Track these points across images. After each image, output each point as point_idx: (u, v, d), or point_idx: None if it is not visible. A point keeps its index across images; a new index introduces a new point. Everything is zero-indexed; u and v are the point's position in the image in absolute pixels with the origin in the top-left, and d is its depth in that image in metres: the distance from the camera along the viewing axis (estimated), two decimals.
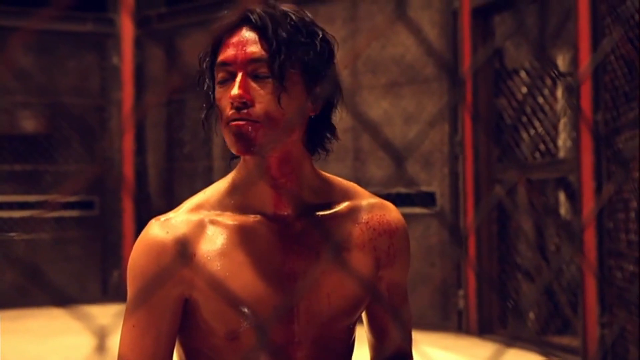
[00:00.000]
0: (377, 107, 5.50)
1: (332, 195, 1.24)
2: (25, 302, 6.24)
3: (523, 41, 5.06)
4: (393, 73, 5.48)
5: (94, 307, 5.91)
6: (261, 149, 1.13)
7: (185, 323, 1.18)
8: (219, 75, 1.14)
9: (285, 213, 1.19)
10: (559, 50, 4.83)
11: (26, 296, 6.32)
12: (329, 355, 1.22)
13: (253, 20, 1.13)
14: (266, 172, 1.17)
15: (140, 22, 6.84)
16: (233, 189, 1.20)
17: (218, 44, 1.15)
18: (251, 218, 1.19)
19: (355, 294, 1.21)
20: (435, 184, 5.31)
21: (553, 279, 4.62)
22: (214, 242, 1.17)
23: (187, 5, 6.65)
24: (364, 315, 1.30)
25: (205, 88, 1.18)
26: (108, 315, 5.02)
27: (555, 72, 4.80)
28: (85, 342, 3.47)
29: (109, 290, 6.79)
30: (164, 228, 1.17)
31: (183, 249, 1.15)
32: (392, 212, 1.27)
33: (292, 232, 1.19)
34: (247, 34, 1.13)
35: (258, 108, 1.11)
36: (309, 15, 1.18)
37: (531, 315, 4.83)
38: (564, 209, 4.91)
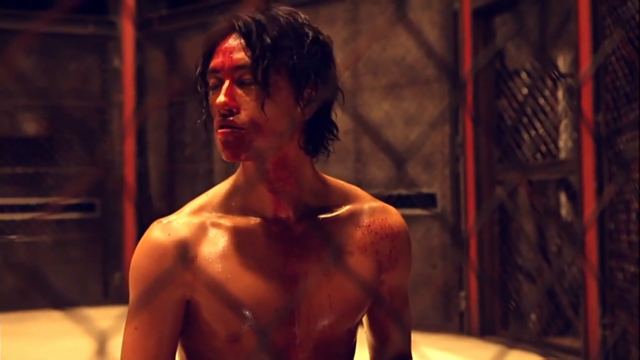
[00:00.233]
0: (377, 109, 5.50)
1: (334, 198, 1.24)
2: (26, 304, 6.24)
3: (524, 42, 5.06)
4: (394, 74, 5.48)
5: (95, 310, 5.91)
6: (250, 155, 1.14)
7: (187, 325, 1.18)
8: (211, 82, 1.16)
9: (286, 216, 1.19)
10: (559, 51, 4.83)
11: (27, 299, 6.32)
12: (331, 358, 1.22)
13: (237, 27, 1.14)
14: (264, 176, 1.17)
15: (141, 24, 6.84)
16: (234, 192, 1.21)
17: (210, 51, 1.16)
18: (252, 221, 1.19)
19: (356, 297, 1.21)
20: (436, 185, 5.31)
21: (555, 280, 4.62)
22: (215, 244, 1.18)
23: (188, 8, 6.65)
24: (364, 317, 1.30)
25: (201, 94, 1.18)
26: (109, 317, 5.03)
27: (556, 73, 4.80)
28: (85, 344, 3.46)
29: (110, 292, 6.79)
30: (165, 231, 1.17)
31: (184, 252, 1.16)
32: (394, 216, 1.27)
33: (293, 235, 1.19)
34: (235, 41, 1.14)
35: (243, 115, 1.12)
36: (303, 16, 1.17)
37: (532, 316, 4.82)
38: (565, 210, 4.90)
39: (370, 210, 1.26)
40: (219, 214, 1.19)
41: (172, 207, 6.85)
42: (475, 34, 5.02)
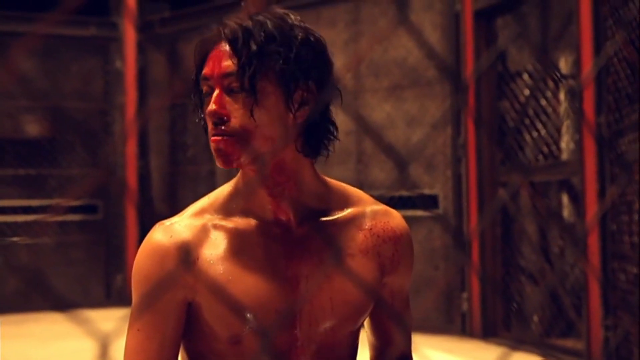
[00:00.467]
0: (379, 110, 5.50)
1: (336, 201, 1.24)
2: (28, 306, 6.24)
3: (525, 44, 5.05)
4: (395, 76, 5.48)
5: (98, 311, 5.92)
6: (243, 161, 1.14)
7: (189, 327, 1.18)
8: (204, 89, 1.16)
9: (286, 219, 1.19)
10: (561, 52, 4.83)
11: (29, 300, 6.32)
12: None
13: (224, 35, 1.14)
14: (263, 180, 1.18)
15: (143, 26, 6.85)
16: (236, 194, 1.21)
17: (203, 58, 1.16)
18: (253, 223, 1.19)
19: (358, 300, 1.21)
20: (438, 186, 5.31)
21: (557, 282, 4.61)
22: (216, 246, 1.18)
23: (190, 10, 6.65)
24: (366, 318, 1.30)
25: (195, 101, 1.19)
26: (111, 319, 5.04)
27: (558, 74, 4.80)
28: (88, 346, 3.48)
29: (112, 294, 6.79)
30: (167, 233, 1.18)
31: (186, 254, 1.16)
32: (396, 219, 1.27)
33: (294, 238, 1.19)
34: (224, 48, 1.14)
35: (234, 122, 1.13)
36: (293, 18, 1.16)
37: (535, 318, 4.82)
38: (567, 212, 4.90)
39: (372, 213, 1.26)
40: (221, 217, 1.20)
41: (173, 208, 6.85)
42: (477, 35, 5.02)
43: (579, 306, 4.31)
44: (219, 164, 1.15)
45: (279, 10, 1.17)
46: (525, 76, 4.96)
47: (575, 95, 4.20)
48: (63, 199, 6.61)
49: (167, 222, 1.20)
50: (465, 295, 5.10)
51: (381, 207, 1.27)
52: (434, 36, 5.29)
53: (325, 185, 1.24)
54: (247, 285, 1.16)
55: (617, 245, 3.82)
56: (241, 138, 1.13)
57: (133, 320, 1.17)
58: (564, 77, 4.80)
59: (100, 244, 6.86)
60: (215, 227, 1.19)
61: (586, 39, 4.00)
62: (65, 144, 6.76)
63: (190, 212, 1.21)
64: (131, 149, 6.84)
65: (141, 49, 6.89)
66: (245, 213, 1.19)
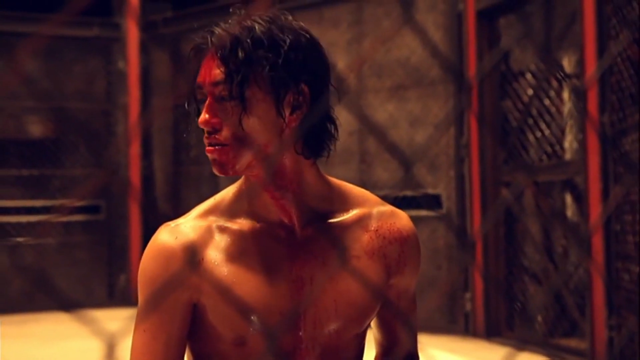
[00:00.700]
0: (382, 111, 5.50)
1: (340, 202, 1.23)
2: (31, 306, 6.25)
3: (529, 43, 5.05)
4: (398, 76, 5.48)
5: (101, 312, 5.92)
6: (238, 169, 1.14)
7: (194, 328, 1.19)
8: (199, 97, 1.16)
9: (291, 221, 1.19)
10: (564, 52, 4.82)
11: (32, 301, 6.33)
12: None
13: (210, 42, 1.12)
14: (264, 185, 1.17)
15: (146, 26, 6.86)
16: (240, 196, 1.21)
17: (198, 64, 1.15)
18: (258, 225, 1.19)
19: (363, 302, 1.20)
20: (441, 186, 5.31)
21: (563, 284, 4.61)
22: (221, 248, 1.18)
23: (193, 10, 6.66)
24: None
25: (192, 109, 1.18)
26: (115, 319, 5.04)
27: (561, 73, 4.79)
28: (92, 346, 3.47)
29: (115, 294, 6.80)
30: (172, 234, 1.18)
31: (191, 255, 1.16)
32: (403, 220, 1.26)
33: (298, 240, 1.19)
34: (213, 56, 1.13)
35: (225, 131, 1.12)
36: (284, 19, 1.14)
37: (539, 317, 4.82)
38: (570, 211, 4.89)
39: (378, 214, 1.25)
40: (226, 218, 1.20)
41: (177, 208, 6.87)
42: (480, 35, 5.02)
43: (582, 306, 4.31)
44: (215, 172, 1.15)
45: (273, 11, 1.15)
46: (529, 76, 4.95)
47: (578, 95, 4.19)
48: (68, 200, 6.62)
49: (172, 223, 1.20)
50: (468, 295, 5.10)
51: (387, 207, 1.27)
52: (436, 36, 5.29)
53: (330, 186, 1.23)
54: (252, 287, 1.16)
55: (621, 245, 3.81)
56: (234, 147, 1.12)
57: (139, 320, 1.17)
58: (567, 76, 4.79)
59: (103, 244, 6.86)
60: (220, 228, 1.19)
61: (590, 39, 4.00)
62: (68, 144, 6.77)
63: (196, 213, 1.21)
64: (134, 149, 6.84)
65: (144, 49, 6.89)
66: (249, 215, 1.19)
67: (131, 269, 6.75)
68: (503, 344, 4.77)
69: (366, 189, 1.31)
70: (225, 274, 1.16)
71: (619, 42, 3.76)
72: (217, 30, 1.13)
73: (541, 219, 4.93)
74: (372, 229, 1.23)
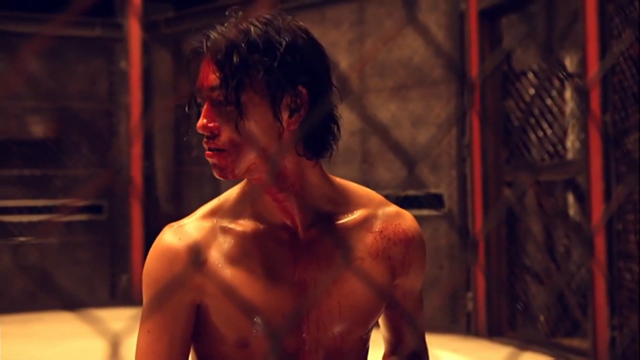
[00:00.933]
0: (384, 110, 5.50)
1: (345, 202, 1.22)
2: (34, 306, 6.26)
3: (531, 43, 5.05)
4: (400, 76, 5.48)
5: (103, 311, 5.93)
6: (238, 173, 1.13)
7: (197, 329, 1.19)
8: (199, 100, 1.15)
9: (294, 223, 1.18)
10: (566, 51, 4.82)
11: (35, 300, 6.34)
12: None
13: (206, 47, 1.12)
14: (266, 187, 1.17)
15: (148, 26, 6.86)
16: (244, 197, 1.20)
17: (197, 68, 1.14)
18: (262, 227, 1.18)
19: (367, 304, 1.20)
20: (443, 186, 5.31)
21: (566, 284, 4.61)
22: (225, 249, 1.18)
23: (194, 10, 6.66)
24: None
25: (193, 113, 1.18)
26: (117, 319, 5.04)
27: (564, 73, 4.79)
28: (94, 345, 3.48)
29: (117, 294, 6.80)
30: (176, 235, 1.18)
31: (195, 256, 1.16)
32: (408, 221, 1.26)
33: (302, 242, 1.18)
34: (210, 60, 1.12)
35: (223, 136, 1.12)
36: (281, 20, 1.12)
37: (541, 317, 4.81)
38: (572, 211, 4.89)
39: (383, 215, 1.24)
40: (229, 219, 1.19)
41: (179, 209, 6.87)
42: (482, 35, 5.02)
43: (584, 305, 4.31)
44: (215, 175, 1.15)
45: (272, 12, 1.14)
46: (531, 75, 4.95)
47: (581, 94, 4.19)
48: (71, 199, 6.63)
49: (176, 224, 1.20)
50: (470, 294, 5.10)
51: (392, 208, 1.26)
52: (439, 36, 5.29)
53: (334, 186, 1.22)
54: (254, 289, 1.16)
55: (623, 245, 3.81)
56: (233, 151, 1.12)
57: (143, 321, 1.17)
58: (569, 76, 4.79)
59: (105, 244, 6.87)
60: (224, 230, 1.18)
61: (592, 38, 4.00)
62: (70, 144, 6.77)
63: (199, 214, 1.21)
64: (136, 149, 6.85)
65: (146, 49, 6.90)
66: (253, 217, 1.19)
67: (133, 269, 6.76)
68: (505, 343, 4.77)
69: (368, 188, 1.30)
70: (229, 275, 1.16)
71: (622, 42, 3.75)
72: (213, 34, 1.12)
73: (543, 218, 4.93)
74: (377, 230, 1.23)
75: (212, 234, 1.18)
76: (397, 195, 5.21)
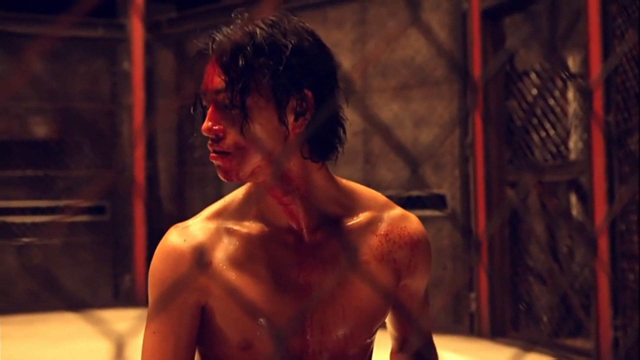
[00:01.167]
0: (387, 110, 5.50)
1: (352, 205, 1.22)
2: (37, 306, 6.27)
3: (533, 42, 5.04)
4: (403, 76, 5.48)
5: (106, 312, 5.93)
6: (242, 176, 1.13)
7: (202, 330, 1.19)
8: (204, 102, 1.15)
9: (299, 226, 1.18)
10: (569, 51, 4.82)
11: (38, 301, 6.35)
12: None
13: (211, 50, 1.11)
14: (271, 190, 1.16)
15: (151, 27, 6.87)
16: (250, 199, 1.20)
17: (202, 71, 1.14)
18: (267, 229, 1.18)
19: (371, 307, 1.20)
20: (446, 186, 5.31)
21: (569, 284, 4.60)
22: (230, 251, 1.17)
23: (197, 10, 6.67)
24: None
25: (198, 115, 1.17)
26: (120, 319, 5.05)
27: (566, 73, 4.78)
28: (98, 346, 3.48)
29: (120, 294, 6.81)
30: (181, 236, 1.18)
31: (200, 257, 1.16)
32: (413, 224, 1.25)
33: (307, 245, 1.18)
34: (215, 63, 1.11)
35: (228, 139, 1.11)
36: (287, 22, 1.11)
37: (544, 317, 4.81)
38: (575, 211, 4.89)
39: (388, 218, 1.24)
40: (235, 221, 1.19)
41: (181, 209, 6.88)
42: (484, 34, 5.01)
43: (587, 306, 4.30)
44: (220, 178, 1.14)
45: (278, 13, 1.13)
46: (533, 75, 4.95)
47: (584, 95, 4.19)
48: (76, 200, 6.63)
49: (181, 225, 1.20)
50: (473, 295, 5.09)
51: (398, 211, 1.25)
52: (441, 36, 5.29)
53: (339, 188, 1.22)
54: (259, 291, 1.15)
55: (626, 245, 3.81)
56: (237, 154, 1.11)
57: (149, 321, 1.17)
58: (572, 76, 4.78)
59: (108, 244, 6.87)
60: (229, 231, 1.18)
61: (595, 38, 3.99)
62: (72, 145, 6.78)
63: (205, 215, 1.21)
64: (139, 150, 6.85)
65: (148, 49, 6.90)
66: (258, 219, 1.18)
67: (136, 270, 6.76)
68: (508, 344, 4.76)
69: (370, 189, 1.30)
70: (234, 277, 1.16)
71: (624, 42, 3.75)
72: (219, 37, 1.12)
73: (546, 219, 4.92)
74: (382, 233, 1.22)
75: (217, 236, 1.18)
76: (400, 195, 5.21)
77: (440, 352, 1.44)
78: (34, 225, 6.60)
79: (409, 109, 5.45)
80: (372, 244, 1.21)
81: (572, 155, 4.76)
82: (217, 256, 1.17)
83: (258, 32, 1.10)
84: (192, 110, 1.16)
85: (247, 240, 1.17)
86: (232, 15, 1.14)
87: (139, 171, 6.87)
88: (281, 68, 1.08)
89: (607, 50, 3.92)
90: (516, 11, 4.95)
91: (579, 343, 4.42)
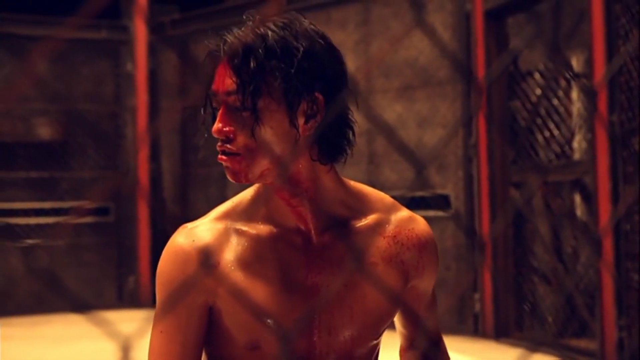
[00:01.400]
0: (390, 111, 5.50)
1: (358, 207, 1.22)
2: (41, 308, 6.28)
3: (537, 43, 5.04)
4: (406, 76, 5.48)
5: (110, 313, 5.94)
6: (252, 177, 1.13)
7: (209, 331, 1.19)
8: (214, 103, 1.15)
9: (307, 228, 1.18)
10: (573, 51, 4.81)
11: (42, 302, 6.36)
12: None
13: (223, 51, 1.11)
14: (279, 192, 1.16)
15: (154, 28, 6.87)
16: (258, 200, 1.20)
17: (213, 71, 1.14)
18: (275, 230, 1.18)
19: (379, 309, 1.20)
20: (449, 186, 5.30)
21: (574, 285, 4.60)
22: (238, 251, 1.17)
23: (201, 11, 6.67)
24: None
25: (207, 116, 1.17)
26: (124, 321, 5.05)
27: (570, 73, 4.78)
28: (101, 347, 3.49)
29: (124, 296, 6.81)
30: (189, 236, 1.18)
31: (207, 258, 1.16)
32: (421, 225, 1.26)
33: (315, 246, 1.18)
34: (226, 64, 1.11)
35: (239, 140, 1.11)
36: (299, 25, 1.11)
37: (548, 318, 4.80)
38: (580, 211, 4.88)
39: (396, 220, 1.24)
40: (243, 222, 1.19)
41: (185, 210, 6.88)
42: (488, 35, 5.01)
43: (592, 306, 4.30)
44: (229, 179, 1.15)
45: (289, 15, 1.13)
46: (537, 75, 4.94)
47: (589, 95, 4.18)
48: (81, 202, 6.64)
49: (190, 225, 1.20)
50: (477, 295, 5.09)
51: (405, 212, 1.26)
52: (444, 36, 5.29)
53: (348, 190, 1.22)
54: (267, 292, 1.16)
55: (631, 245, 3.80)
56: (247, 156, 1.11)
57: (156, 321, 1.17)
58: (576, 76, 4.78)
59: (112, 246, 6.88)
60: (238, 232, 1.18)
61: (598, 38, 3.99)
62: (76, 146, 6.79)
63: (214, 215, 1.21)
64: (143, 151, 6.86)
65: (152, 51, 6.91)
66: (267, 220, 1.18)
67: (140, 271, 6.77)
68: (512, 344, 4.76)
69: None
70: (241, 278, 1.16)
71: (629, 42, 3.75)
72: (230, 38, 1.11)
73: (550, 219, 4.91)
74: (390, 234, 1.23)
75: (225, 236, 1.18)
76: (403, 196, 5.21)
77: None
78: (38, 226, 6.61)
79: (413, 110, 5.45)
80: (380, 245, 1.22)
81: (576, 155, 4.75)
82: (225, 257, 1.17)
83: (270, 34, 1.09)
84: (202, 111, 1.16)
85: (256, 241, 1.17)
86: (244, 17, 1.14)
87: (143, 172, 6.88)
88: (293, 71, 1.08)
89: (611, 50, 3.92)
90: (520, 11, 4.94)
91: (583, 343, 4.41)
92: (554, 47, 4.85)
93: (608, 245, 3.87)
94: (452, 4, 5.29)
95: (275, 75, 1.08)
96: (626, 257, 3.84)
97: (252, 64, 1.08)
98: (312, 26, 1.13)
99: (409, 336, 1.33)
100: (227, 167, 1.13)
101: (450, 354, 1.43)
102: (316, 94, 1.11)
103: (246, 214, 1.19)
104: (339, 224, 1.20)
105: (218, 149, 1.13)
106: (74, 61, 6.72)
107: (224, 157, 1.13)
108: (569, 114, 4.79)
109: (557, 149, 4.78)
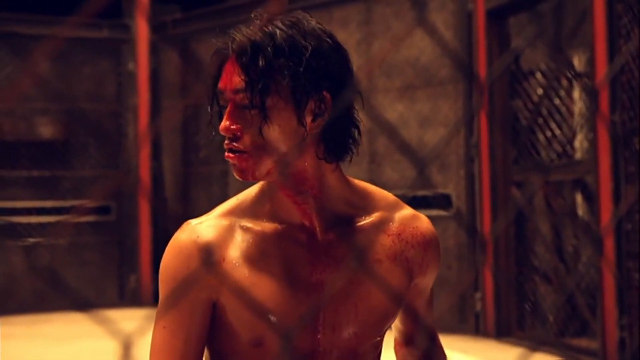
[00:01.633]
0: (392, 111, 5.50)
1: (363, 205, 1.22)
2: (43, 306, 6.28)
3: (539, 42, 5.04)
4: (408, 76, 5.48)
5: (111, 312, 5.94)
6: (258, 175, 1.13)
7: (212, 327, 1.19)
8: (221, 102, 1.15)
9: (312, 225, 1.18)
10: (574, 51, 4.81)
11: (44, 301, 6.36)
12: None
13: (231, 49, 1.11)
14: (285, 190, 1.17)
15: (156, 27, 6.88)
16: (263, 197, 1.21)
17: (220, 69, 1.14)
18: (280, 227, 1.18)
19: (383, 307, 1.21)
20: (451, 186, 5.30)
21: (575, 284, 4.60)
22: (242, 248, 1.18)
23: (202, 11, 6.68)
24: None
25: (213, 113, 1.17)
26: (126, 319, 5.06)
27: (572, 72, 4.78)
28: (102, 346, 3.49)
29: (125, 294, 6.82)
30: (193, 233, 1.18)
31: (210, 254, 1.16)
32: (424, 224, 1.26)
33: (320, 244, 1.18)
34: (234, 62, 1.12)
35: (246, 138, 1.12)
36: (307, 24, 1.12)
37: (549, 317, 4.80)
38: (581, 210, 4.88)
39: (399, 218, 1.25)
40: (248, 219, 1.19)
41: (187, 209, 6.88)
42: (490, 35, 5.01)
43: (593, 306, 4.30)
44: (236, 176, 1.15)
45: (296, 14, 1.14)
46: (539, 75, 4.94)
47: (591, 95, 4.18)
48: (82, 200, 6.65)
49: (194, 221, 1.20)
50: (478, 295, 5.09)
51: (409, 211, 1.27)
52: (446, 36, 5.29)
53: (352, 189, 1.22)
54: (271, 289, 1.16)
55: (632, 245, 3.80)
56: (254, 154, 1.12)
57: (159, 317, 1.17)
58: (578, 75, 4.78)
59: (113, 244, 6.89)
60: (242, 228, 1.19)
61: (600, 37, 3.99)
62: (78, 145, 6.80)
63: (218, 212, 1.21)
64: (145, 150, 6.87)
65: (154, 50, 6.92)
66: (271, 217, 1.19)
67: (141, 269, 6.77)
68: (514, 344, 4.76)
69: None
70: (246, 274, 1.16)
71: (631, 42, 3.75)
72: (238, 36, 1.12)
73: (552, 218, 4.92)
74: (394, 232, 1.23)
75: (230, 233, 1.18)
76: (405, 195, 5.21)
77: (446, 352, 1.44)
78: (40, 225, 6.62)
79: (414, 109, 5.46)
80: (384, 243, 1.22)
81: (578, 155, 4.75)
82: (230, 253, 1.17)
83: (278, 32, 1.10)
84: (209, 109, 1.16)
85: (260, 238, 1.18)
86: (252, 15, 1.14)
87: (144, 171, 6.88)
88: (301, 69, 1.09)
89: (612, 49, 3.92)
90: (521, 11, 4.94)
91: (584, 343, 4.42)
92: (556, 47, 4.85)
93: (609, 244, 3.87)
94: (453, 4, 5.29)
95: (283, 74, 1.09)
96: (627, 257, 3.84)
97: (260, 62, 1.09)
98: (319, 25, 1.14)
99: (406, 331, 1.34)
100: (233, 164, 1.13)
101: (452, 353, 1.43)
102: (324, 92, 1.12)
103: (251, 210, 1.20)
104: (343, 222, 1.20)
105: (225, 146, 1.14)
106: (75, 60, 6.73)
107: (231, 154, 1.13)
108: (571, 113, 4.79)
109: (559, 148, 4.78)
